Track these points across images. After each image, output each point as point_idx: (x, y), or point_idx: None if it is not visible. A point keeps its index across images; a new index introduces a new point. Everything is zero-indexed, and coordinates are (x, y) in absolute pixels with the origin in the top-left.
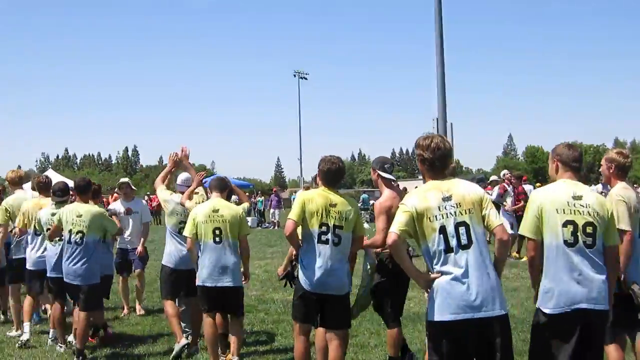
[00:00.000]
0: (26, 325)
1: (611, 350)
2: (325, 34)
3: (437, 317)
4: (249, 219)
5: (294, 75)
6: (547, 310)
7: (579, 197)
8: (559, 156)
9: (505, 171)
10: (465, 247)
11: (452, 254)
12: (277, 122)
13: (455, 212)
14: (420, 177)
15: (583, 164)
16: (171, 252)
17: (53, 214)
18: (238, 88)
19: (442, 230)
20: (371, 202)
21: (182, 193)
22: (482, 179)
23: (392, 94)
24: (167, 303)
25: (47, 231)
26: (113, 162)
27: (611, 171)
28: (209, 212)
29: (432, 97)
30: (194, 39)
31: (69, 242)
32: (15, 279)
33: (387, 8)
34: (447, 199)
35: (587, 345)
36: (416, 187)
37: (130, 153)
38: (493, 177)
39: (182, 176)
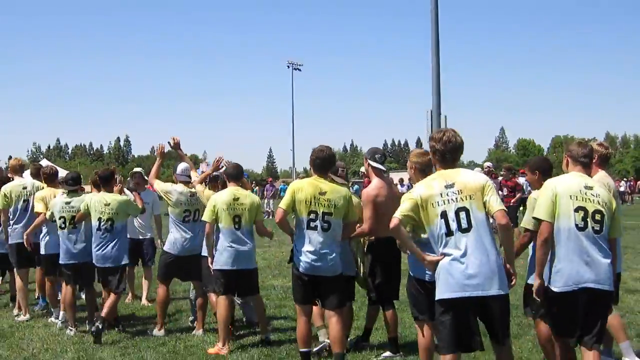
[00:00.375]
0: (57, 311)
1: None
2: (320, 24)
3: (439, 296)
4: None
5: (288, 66)
6: (556, 289)
7: (590, 188)
8: (570, 152)
9: (488, 163)
10: (465, 230)
11: (453, 237)
12: (269, 113)
13: (456, 198)
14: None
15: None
16: (176, 240)
17: (67, 202)
18: (230, 78)
19: (444, 215)
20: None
21: (183, 183)
22: None
23: (385, 86)
24: (162, 287)
25: (60, 219)
26: (105, 152)
27: (594, 161)
28: (230, 201)
29: (425, 90)
30: (186, 30)
31: (99, 229)
32: (25, 264)
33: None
34: (449, 186)
35: (592, 320)
36: (401, 178)
37: (122, 143)
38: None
39: (181, 166)
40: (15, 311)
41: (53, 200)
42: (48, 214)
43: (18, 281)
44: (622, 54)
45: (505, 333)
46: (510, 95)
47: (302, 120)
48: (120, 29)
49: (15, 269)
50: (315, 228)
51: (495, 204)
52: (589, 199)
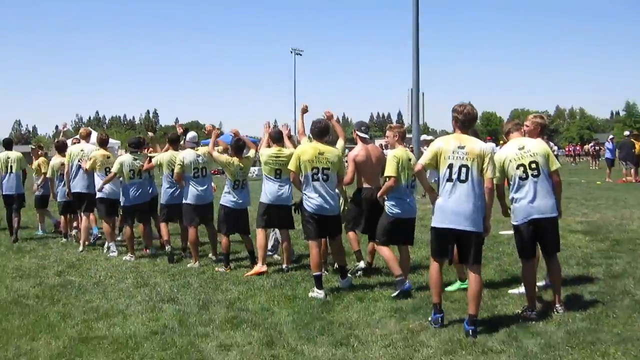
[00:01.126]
0: (112, 245)
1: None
2: (317, 14)
3: (433, 224)
4: (255, 168)
5: (291, 52)
6: (515, 223)
7: (522, 147)
8: (509, 124)
9: (430, 137)
10: (463, 181)
11: (452, 183)
12: (275, 91)
13: (463, 157)
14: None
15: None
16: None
17: (135, 159)
18: (243, 63)
19: (450, 166)
20: None
21: (191, 148)
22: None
23: (371, 67)
24: (192, 229)
25: (130, 172)
26: (136, 123)
27: (533, 128)
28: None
29: (407, 70)
30: (211, 15)
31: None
32: (88, 208)
33: None
34: (461, 147)
35: (544, 238)
36: (381, 144)
37: (151, 115)
38: (424, 136)
39: (190, 135)
40: (81, 247)
41: (121, 159)
42: (116, 168)
43: (84, 222)
44: (571, 36)
45: (475, 259)
46: (477, 72)
47: (302, 98)
48: (151, 20)
49: (79, 212)
50: (318, 179)
51: (489, 172)
52: (524, 156)
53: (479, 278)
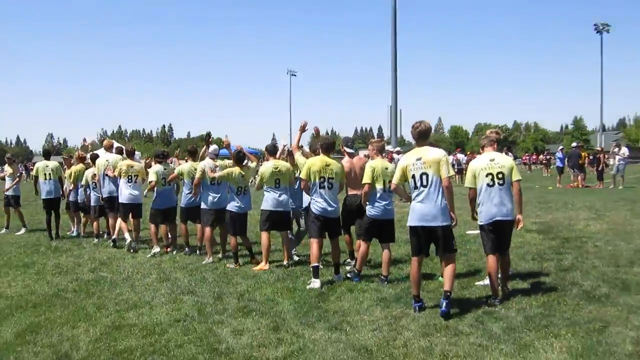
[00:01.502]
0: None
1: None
2: (310, 39)
3: (409, 223)
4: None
5: (287, 73)
6: (481, 223)
7: (493, 159)
8: (484, 140)
9: (397, 148)
10: (425, 186)
11: (418, 190)
12: (272, 107)
13: (421, 166)
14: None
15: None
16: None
17: (165, 169)
18: (242, 84)
19: (414, 176)
20: None
21: (212, 159)
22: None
23: (357, 87)
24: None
25: (162, 179)
26: (153, 135)
27: (486, 142)
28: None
29: (387, 89)
30: (219, 39)
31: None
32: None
33: (354, 17)
34: (418, 159)
35: (502, 237)
36: (365, 154)
37: (166, 129)
38: (389, 147)
39: (212, 147)
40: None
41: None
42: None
43: (111, 221)
44: (528, 59)
45: (447, 249)
46: (447, 91)
47: (297, 114)
48: (163, 43)
49: (109, 213)
50: (324, 187)
51: (444, 172)
52: (493, 166)
53: (453, 263)
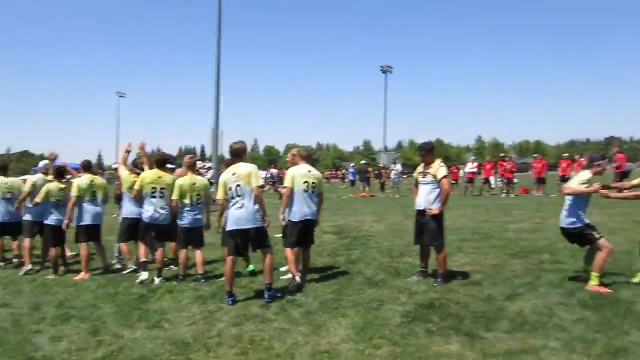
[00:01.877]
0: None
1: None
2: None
3: (227, 228)
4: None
5: (115, 94)
6: (294, 220)
7: (310, 171)
8: (294, 156)
9: (208, 164)
10: (240, 196)
11: (234, 199)
12: (98, 127)
13: (236, 179)
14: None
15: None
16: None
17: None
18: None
19: (230, 188)
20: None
21: (43, 173)
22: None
23: (182, 107)
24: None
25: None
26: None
27: (292, 159)
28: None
29: (209, 111)
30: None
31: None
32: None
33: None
34: (234, 174)
35: (308, 233)
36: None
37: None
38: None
39: (41, 163)
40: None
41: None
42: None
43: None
44: (327, 90)
45: (260, 245)
46: (261, 114)
47: (127, 134)
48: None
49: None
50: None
51: (254, 183)
52: (309, 176)
53: (269, 257)
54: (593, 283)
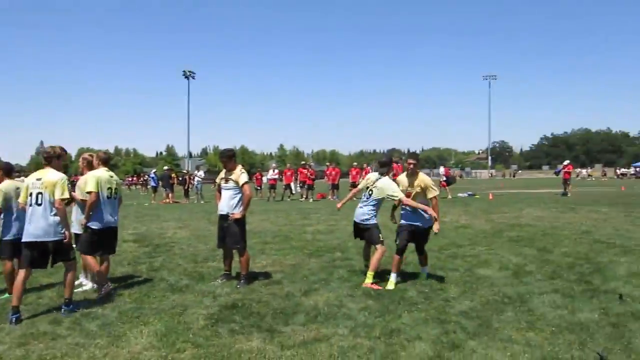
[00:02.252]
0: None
1: None
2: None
3: (22, 239)
4: None
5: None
6: (94, 227)
7: (112, 176)
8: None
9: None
10: (40, 204)
11: (32, 207)
12: None
13: (39, 186)
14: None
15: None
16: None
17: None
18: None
19: (31, 194)
20: None
21: None
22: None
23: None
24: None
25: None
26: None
27: (86, 164)
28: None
29: None
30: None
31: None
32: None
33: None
34: (38, 179)
35: (111, 241)
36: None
37: None
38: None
39: None
40: None
41: None
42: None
43: None
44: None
45: (64, 258)
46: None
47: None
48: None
49: None
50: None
51: (58, 194)
52: (114, 182)
53: (71, 271)
54: (368, 281)
